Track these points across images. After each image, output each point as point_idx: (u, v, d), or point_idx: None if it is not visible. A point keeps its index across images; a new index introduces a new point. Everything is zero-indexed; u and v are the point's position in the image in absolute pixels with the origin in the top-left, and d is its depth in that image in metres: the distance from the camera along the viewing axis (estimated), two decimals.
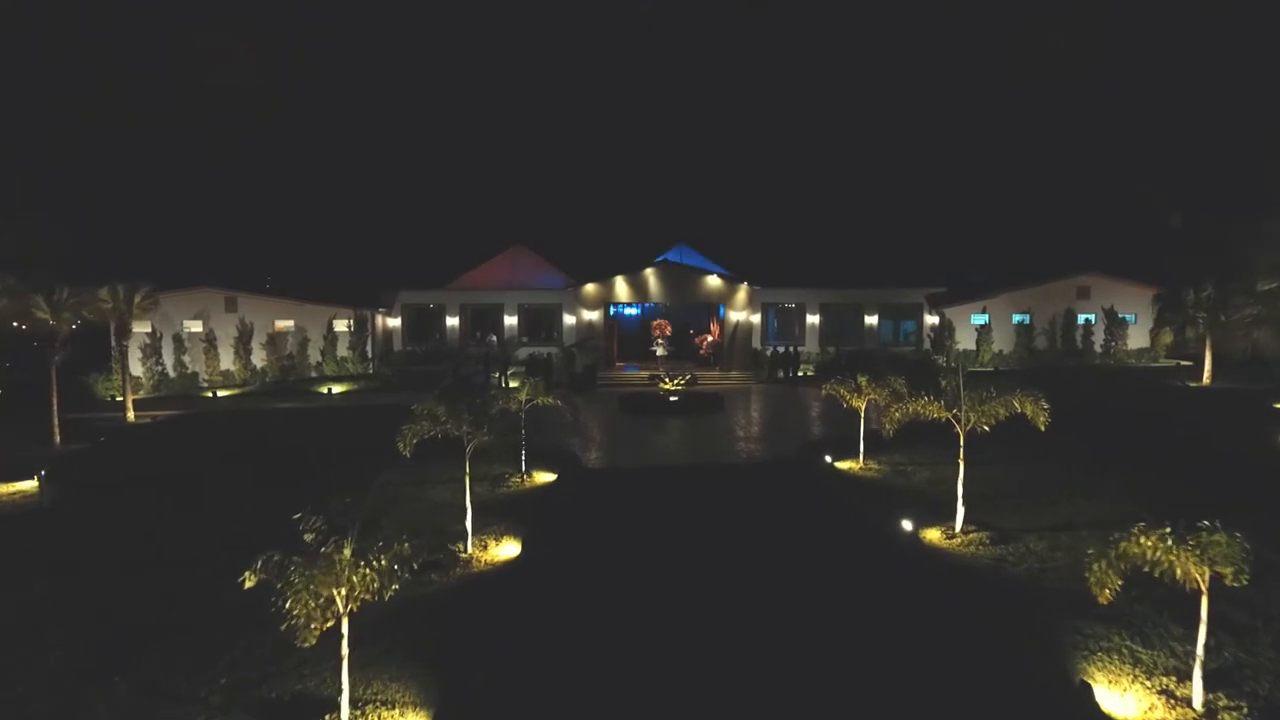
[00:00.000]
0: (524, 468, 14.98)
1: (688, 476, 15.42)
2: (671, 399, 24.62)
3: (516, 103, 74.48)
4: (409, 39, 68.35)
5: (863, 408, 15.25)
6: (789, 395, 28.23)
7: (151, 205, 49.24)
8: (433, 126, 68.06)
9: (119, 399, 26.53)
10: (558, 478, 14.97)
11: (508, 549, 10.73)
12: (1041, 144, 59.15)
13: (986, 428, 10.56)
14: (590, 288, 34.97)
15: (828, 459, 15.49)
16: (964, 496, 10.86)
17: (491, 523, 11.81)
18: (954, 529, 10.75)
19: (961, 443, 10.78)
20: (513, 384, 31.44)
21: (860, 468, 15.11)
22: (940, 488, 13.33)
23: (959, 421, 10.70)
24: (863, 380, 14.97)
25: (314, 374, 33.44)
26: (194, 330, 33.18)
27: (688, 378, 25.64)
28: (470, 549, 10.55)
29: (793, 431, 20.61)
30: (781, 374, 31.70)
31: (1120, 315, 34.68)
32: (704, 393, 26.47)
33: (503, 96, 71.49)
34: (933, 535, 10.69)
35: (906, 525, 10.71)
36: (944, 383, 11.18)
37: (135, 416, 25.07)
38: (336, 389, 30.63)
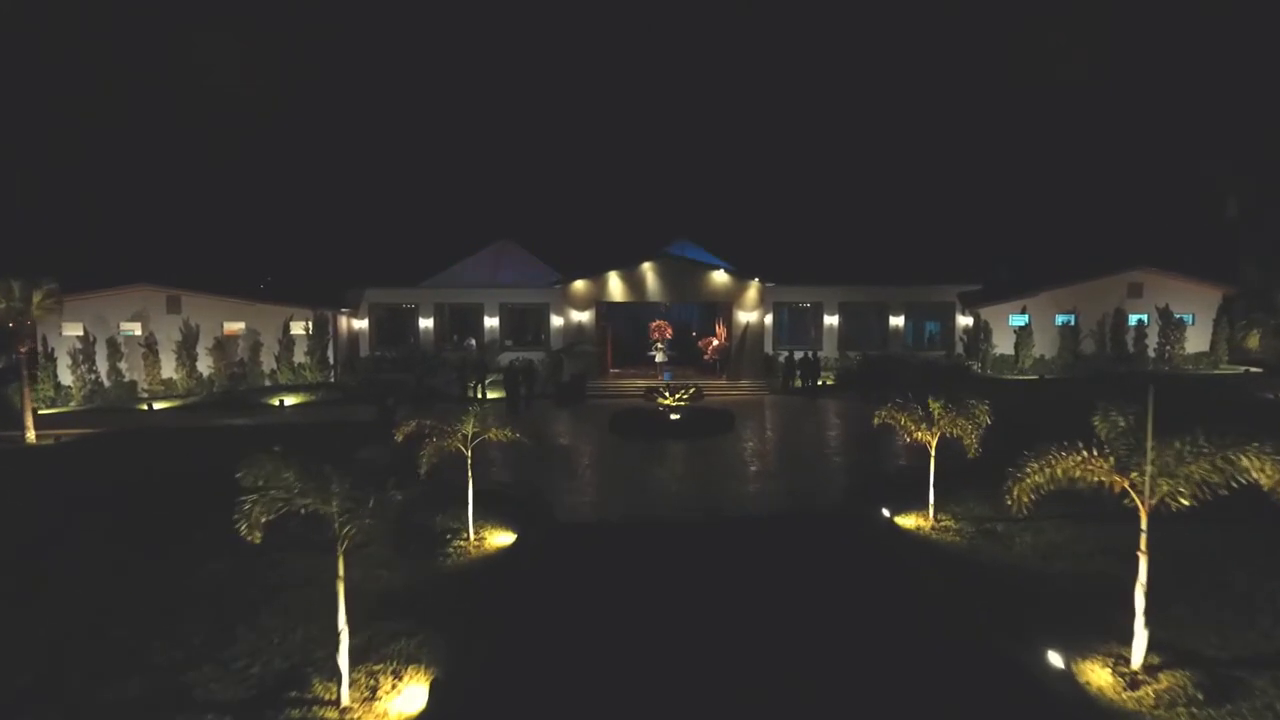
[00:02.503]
0: (470, 527, 10.95)
1: (693, 541, 11.22)
2: (672, 417, 20.56)
3: (509, 93, 70.36)
4: (403, 29, 64.25)
5: (933, 443, 11.16)
6: (810, 410, 24.13)
7: (126, 203, 45.38)
8: (415, 114, 63.92)
9: (41, 411, 23.05)
10: (516, 541, 10.92)
11: (408, 698, 6.67)
12: (1080, 137, 54.80)
13: (1185, 501, 6.49)
14: (580, 285, 30.76)
15: (885, 513, 11.43)
16: (1144, 611, 6.77)
17: (401, 633, 7.78)
18: (1129, 662, 6.69)
19: (1143, 525, 6.69)
20: (492, 394, 27.76)
21: (931, 526, 11.03)
22: (1062, 565, 9.28)
23: (1139, 492, 6.62)
24: (935, 407, 10.93)
25: (268, 382, 29.43)
26: (132, 333, 29.15)
27: (691, 391, 21.50)
28: (346, 699, 6.52)
29: (825, 462, 16.55)
30: (798, 383, 27.67)
31: (1177, 316, 30.59)
32: (710, 408, 22.40)
33: (494, 85, 67.35)
34: (1100, 678, 6.58)
35: (1055, 660, 6.65)
36: (1103, 426, 7.08)
37: (36, 437, 21.04)
38: (290, 400, 26.68)
